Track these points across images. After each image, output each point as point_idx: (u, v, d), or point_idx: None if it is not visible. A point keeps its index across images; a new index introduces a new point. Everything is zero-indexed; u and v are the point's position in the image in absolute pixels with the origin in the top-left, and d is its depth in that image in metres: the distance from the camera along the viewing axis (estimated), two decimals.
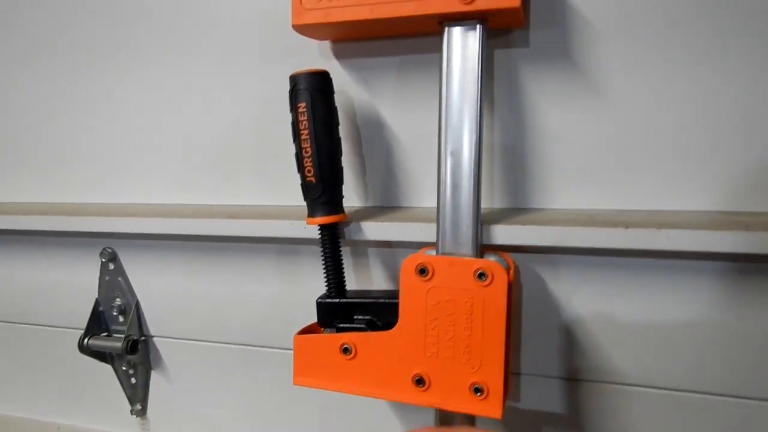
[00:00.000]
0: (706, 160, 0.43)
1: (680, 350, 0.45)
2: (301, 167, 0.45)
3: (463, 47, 0.41)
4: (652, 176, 0.45)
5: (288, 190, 0.55)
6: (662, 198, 0.44)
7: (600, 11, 0.43)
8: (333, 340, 0.46)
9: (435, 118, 0.43)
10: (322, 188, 0.45)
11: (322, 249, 0.47)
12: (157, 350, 0.65)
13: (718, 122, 0.42)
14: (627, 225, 0.40)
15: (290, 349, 0.47)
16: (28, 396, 0.74)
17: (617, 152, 0.45)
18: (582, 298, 0.47)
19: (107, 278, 0.65)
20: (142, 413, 0.69)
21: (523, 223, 0.43)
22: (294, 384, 0.47)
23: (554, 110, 0.46)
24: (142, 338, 0.65)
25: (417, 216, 0.47)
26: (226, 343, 0.62)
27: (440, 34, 0.42)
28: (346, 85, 0.50)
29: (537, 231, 0.42)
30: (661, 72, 0.43)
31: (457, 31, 0.41)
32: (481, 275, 0.41)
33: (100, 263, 0.64)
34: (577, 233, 0.41)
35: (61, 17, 0.60)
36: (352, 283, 0.53)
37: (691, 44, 0.42)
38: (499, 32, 0.45)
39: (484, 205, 0.48)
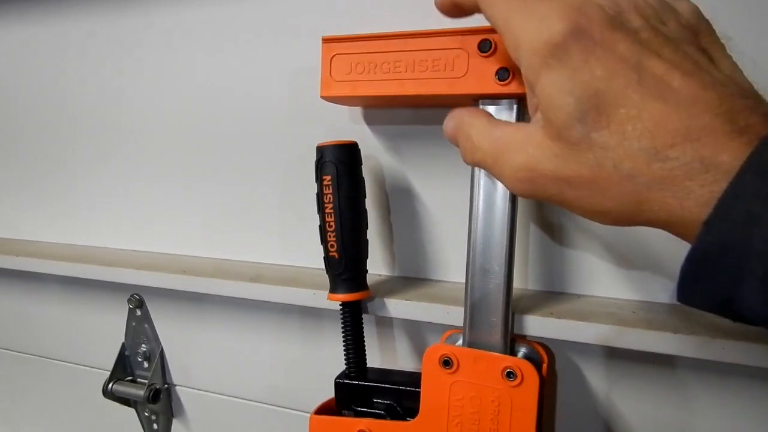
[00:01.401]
0: None
1: None
2: (324, 240, 0.44)
3: None
4: None
5: (314, 251, 0.53)
6: None
7: None
8: (349, 425, 0.43)
9: (467, 191, 0.40)
10: (345, 264, 0.43)
11: (342, 326, 0.44)
12: (179, 399, 0.65)
13: None
14: (675, 330, 0.36)
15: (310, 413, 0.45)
16: (56, 431, 0.75)
17: (668, 240, 0.41)
18: (623, 395, 0.43)
19: (134, 324, 0.65)
20: None
21: (559, 316, 0.39)
22: None
23: None
24: (165, 386, 0.64)
25: (444, 296, 0.44)
26: (247, 399, 0.60)
27: None
28: (377, 151, 0.48)
29: (574, 327, 0.39)
30: None
31: (491, 110, 0.38)
32: (509, 374, 0.38)
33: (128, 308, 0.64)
34: (617, 334, 0.37)
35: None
36: (375, 355, 0.51)
37: None
38: None
39: (517, 285, 0.44)
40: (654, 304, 0.41)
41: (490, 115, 0.30)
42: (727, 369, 0.39)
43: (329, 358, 0.53)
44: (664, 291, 0.42)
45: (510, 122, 0.28)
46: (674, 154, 0.20)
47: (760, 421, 0.39)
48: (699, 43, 0.24)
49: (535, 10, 0.23)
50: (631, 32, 0.22)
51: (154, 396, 0.63)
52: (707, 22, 0.25)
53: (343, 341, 0.45)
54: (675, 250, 0.40)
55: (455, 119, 0.31)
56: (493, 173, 0.27)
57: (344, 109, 0.48)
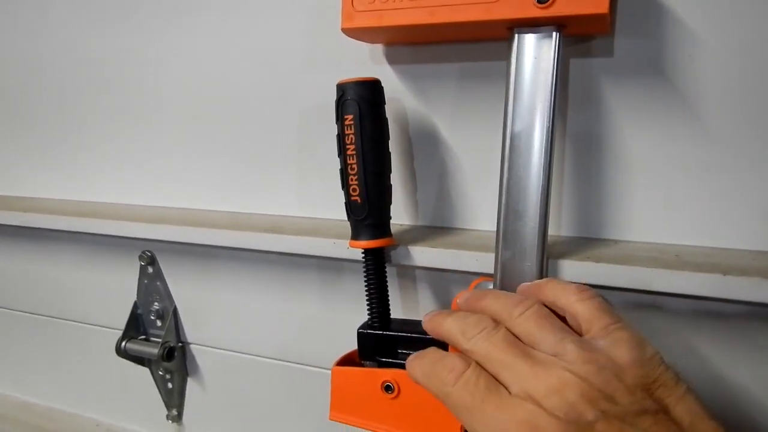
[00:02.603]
0: None
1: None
2: (345, 185, 0.41)
3: (535, 57, 0.36)
4: (750, 212, 0.38)
5: (333, 202, 0.51)
6: (764, 238, 0.38)
7: (703, 18, 0.36)
8: (374, 375, 0.41)
9: (498, 134, 0.38)
10: (368, 209, 0.41)
11: (365, 275, 0.42)
12: (193, 357, 0.64)
13: None
14: (725, 271, 0.34)
15: (329, 369, 0.44)
16: (70, 391, 0.75)
17: (710, 183, 0.38)
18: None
19: (146, 281, 0.63)
20: (177, 419, 0.67)
21: (597, 260, 0.37)
22: (330, 419, 0.43)
23: (639, 131, 0.39)
24: (179, 344, 0.63)
25: (472, 243, 0.42)
26: (263, 356, 0.59)
27: (509, 40, 0.37)
28: (400, 93, 0.46)
29: (614, 271, 0.36)
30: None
31: (529, 39, 0.36)
32: None
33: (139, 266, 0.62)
34: (662, 277, 0.35)
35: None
36: (398, 307, 0.49)
37: None
38: (578, 39, 0.39)
39: (550, 232, 0.42)
40: (697, 248, 0.39)
41: None
42: None
43: (348, 314, 0.51)
44: (706, 234, 0.39)
45: None
46: None
47: None
48: (653, 396, 0.25)
49: (491, 425, 0.25)
50: (587, 429, 0.23)
51: (169, 354, 0.62)
52: (651, 361, 0.26)
53: (366, 291, 0.43)
54: (720, 190, 0.38)
55: None
56: None
57: (365, 48, 0.46)
